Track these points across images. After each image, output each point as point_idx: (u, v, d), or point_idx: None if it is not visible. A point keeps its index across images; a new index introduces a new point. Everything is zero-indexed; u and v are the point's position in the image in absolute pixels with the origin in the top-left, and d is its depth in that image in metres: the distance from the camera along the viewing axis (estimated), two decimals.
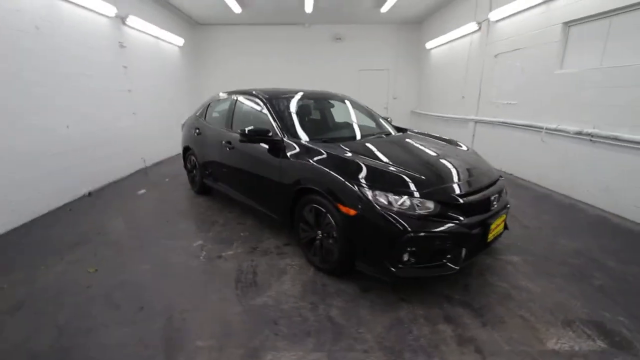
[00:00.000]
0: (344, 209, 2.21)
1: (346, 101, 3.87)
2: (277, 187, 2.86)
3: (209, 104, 4.45)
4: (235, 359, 1.76)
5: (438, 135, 3.46)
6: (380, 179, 2.21)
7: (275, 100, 3.29)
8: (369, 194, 2.13)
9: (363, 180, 2.20)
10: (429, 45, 8.80)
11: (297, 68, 9.79)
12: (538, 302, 2.23)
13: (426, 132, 3.65)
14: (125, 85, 5.73)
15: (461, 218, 2.13)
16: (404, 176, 2.21)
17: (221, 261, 2.81)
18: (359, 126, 3.58)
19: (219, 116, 4.11)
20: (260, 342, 1.89)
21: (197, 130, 4.35)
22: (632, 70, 3.51)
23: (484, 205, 2.30)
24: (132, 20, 5.73)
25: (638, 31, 3.51)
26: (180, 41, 8.04)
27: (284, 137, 2.89)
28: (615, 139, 3.64)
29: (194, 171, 4.63)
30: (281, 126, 2.99)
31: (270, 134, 2.94)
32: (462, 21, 6.99)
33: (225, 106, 4.03)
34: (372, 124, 3.74)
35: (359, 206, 2.14)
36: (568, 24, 4.37)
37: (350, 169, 2.31)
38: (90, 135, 4.77)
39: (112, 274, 2.63)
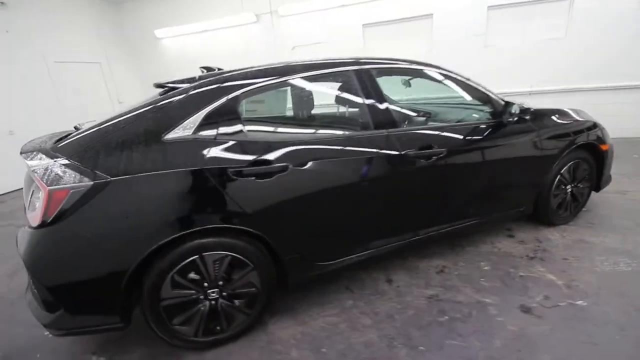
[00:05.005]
0: (604, 147, 2.73)
1: None
2: (533, 170, 2.52)
3: (238, 104, 1.78)
4: None
5: None
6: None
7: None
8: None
9: None
10: (160, 33, 7.18)
11: None
12: None
13: None
14: None
15: None
16: None
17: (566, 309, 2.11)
18: None
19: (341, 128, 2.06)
20: None
21: (261, 174, 1.69)
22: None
23: None
24: None
25: (410, 34, 5.96)
26: None
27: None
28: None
29: (227, 287, 1.75)
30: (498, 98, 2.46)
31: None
32: (221, 12, 6.61)
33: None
34: None
35: (607, 141, 2.78)
36: (365, 26, 6.11)
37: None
38: None
39: None
